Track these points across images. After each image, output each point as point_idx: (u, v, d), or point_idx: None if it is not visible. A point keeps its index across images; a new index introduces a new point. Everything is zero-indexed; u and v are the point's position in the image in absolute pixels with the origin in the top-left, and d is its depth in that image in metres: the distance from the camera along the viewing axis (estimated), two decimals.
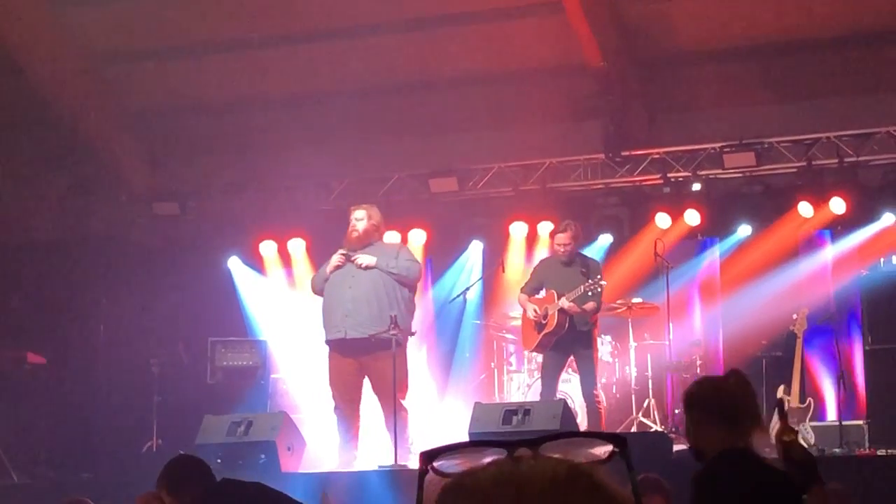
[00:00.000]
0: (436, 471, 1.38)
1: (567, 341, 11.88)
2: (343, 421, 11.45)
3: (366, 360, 11.35)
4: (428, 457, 1.41)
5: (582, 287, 11.69)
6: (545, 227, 14.63)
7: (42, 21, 15.04)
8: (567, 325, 11.77)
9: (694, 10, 14.40)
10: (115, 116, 16.23)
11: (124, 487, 8.35)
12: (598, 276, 11.95)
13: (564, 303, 11.68)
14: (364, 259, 11.43)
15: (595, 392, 11.85)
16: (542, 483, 1.27)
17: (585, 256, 12.44)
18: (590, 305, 11.77)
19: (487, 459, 1.35)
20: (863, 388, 13.22)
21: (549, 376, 12.01)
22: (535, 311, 11.96)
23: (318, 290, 11.77)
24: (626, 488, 1.36)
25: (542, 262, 12.87)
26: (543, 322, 11.88)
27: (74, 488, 10.88)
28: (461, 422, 11.38)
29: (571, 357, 12.05)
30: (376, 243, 11.76)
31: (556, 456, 1.34)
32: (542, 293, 12.14)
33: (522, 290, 12.39)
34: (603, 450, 1.38)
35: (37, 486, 12.33)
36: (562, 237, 12.05)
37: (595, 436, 1.40)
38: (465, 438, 9.95)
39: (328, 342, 11.52)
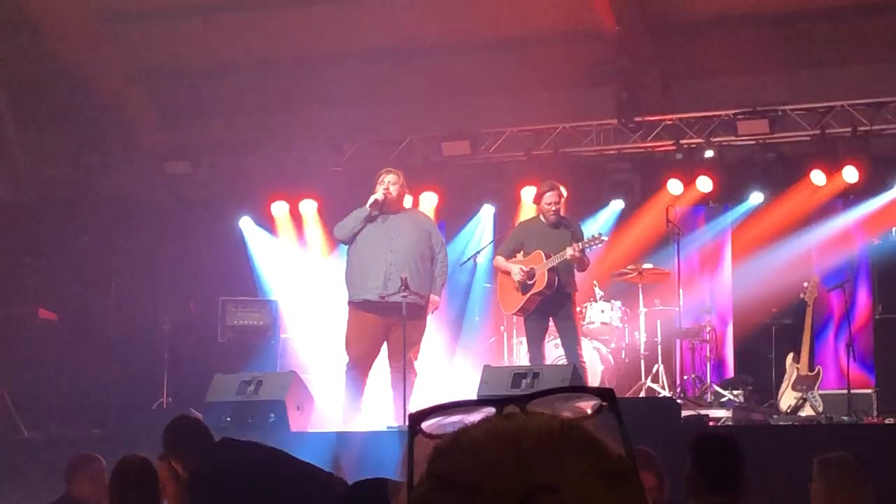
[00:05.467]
0: (424, 433, 1.37)
1: (548, 305, 11.82)
2: (355, 380, 11.48)
3: (392, 322, 11.35)
4: (415, 418, 1.40)
5: (579, 244, 11.62)
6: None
7: None
8: (556, 285, 11.73)
9: None
10: (128, 75, 16.22)
11: (134, 444, 8.37)
12: (600, 233, 12.01)
13: (569, 251, 11.55)
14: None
15: (579, 354, 11.83)
16: (538, 436, 1.28)
17: (570, 220, 12.31)
18: (586, 259, 11.77)
19: (476, 418, 1.36)
20: (872, 356, 13.24)
21: (536, 343, 11.98)
22: (521, 270, 11.87)
23: (350, 228, 11.68)
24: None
25: (521, 224, 12.81)
26: (530, 282, 11.80)
27: (85, 444, 10.93)
28: (470, 385, 11.41)
29: (552, 323, 11.99)
30: (409, 210, 11.85)
31: (546, 412, 1.34)
32: (520, 255, 12.07)
33: (499, 253, 12.34)
34: (590, 404, 1.38)
35: (47, 441, 12.39)
36: (551, 196, 11.90)
37: (582, 390, 1.40)
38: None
39: (358, 302, 11.50)
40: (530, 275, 11.76)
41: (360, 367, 11.48)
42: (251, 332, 14.23)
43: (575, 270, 11.91)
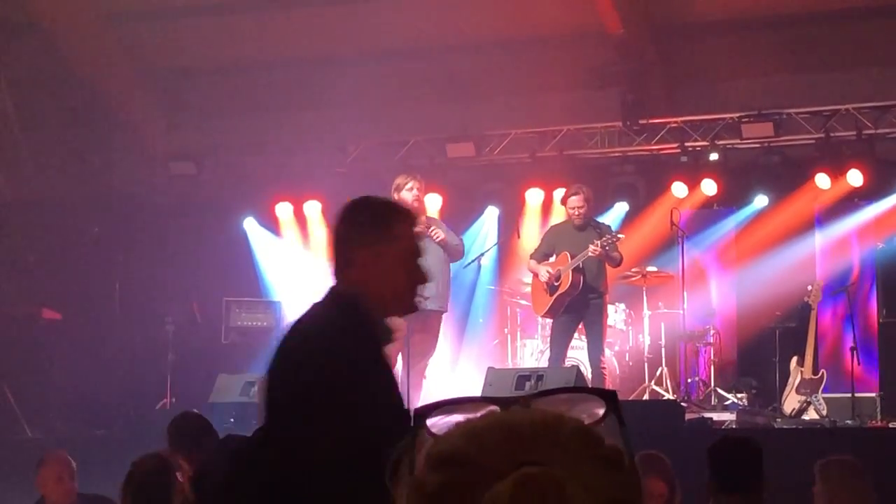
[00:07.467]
0: (428, 430, 1.38)
1: (578, 306, 11.84)
2: None
3: (416, 329, 11.29)
4: (420, 413, 1.40)
5: (598, 242, 11.60)
6: (561, 194, 14.61)
7: None
8: (581, 286, 11.73)
9: None
10: (133, 75, 16.23)
11: (137, 444, 8.38)
12: (616, 230, 12.02)
13: (591, 248, 11.54)
14: (440, 233, 11.39)
15: (601, 359, 11.85)
16: (532, 425, 1.29)
17: (598, 221, 12.41)
18: (616, 255, 11.78)
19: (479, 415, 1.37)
20: (876, 360, 13.23)
21: (559, 343, 11.98)
22: (547, 271, 11.89)
23: None
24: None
25: (553, 227, 12.85)
26: (556, 283, 11.82)
27: (87, 444, 10.96)
28: (474, 387, 11.40)
29: (581, 324, 12.04)
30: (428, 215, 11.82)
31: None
32: (553, 259, 12.11)
33: (532, 257, 12.36)
34: (596, 408, 1.39)
35: (50, 441, 12.38)
36: (575, 200, 11.98)
37: (584, 391, 1.42)
38: None
39: None
40: (556, 276, 11.80)
41: None
42: (255, 333, 14.23)
43: (606, 272, 11.92)
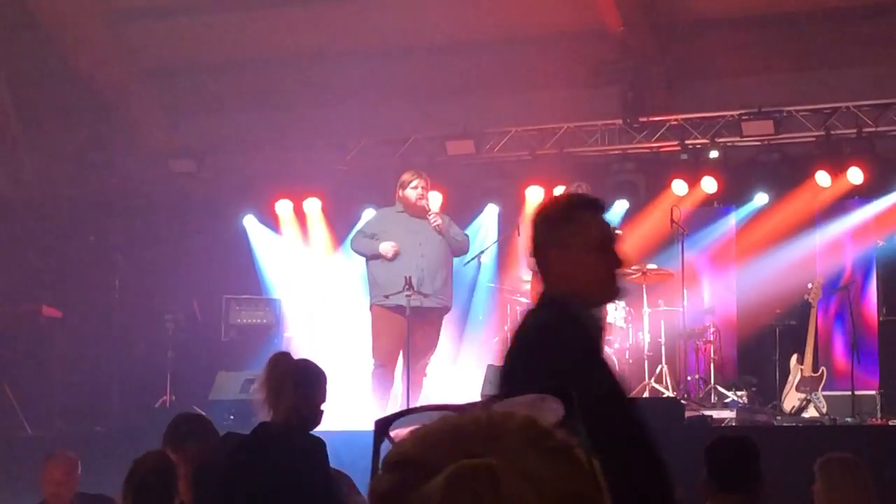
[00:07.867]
0: (390, 438, 1.42)
1: None
2: (385, 380, 11.42)
3: (416, 325, 11.30)
4: (382, 424, 1.44)
5: None
6: (560, 192, 14.61)
7: None
8: None
9: None
10: (133, 73, 16.22)
11: (137, 442, 8.38)
12: (614, 228, 12.02)
13: None
14: (439, 220, 11.38)
15: None
16: (476, 423, 1.34)
17: None
18: None
19: None
20: (876, 358, 13.23)
21: None
22: None
23: (361, 253, 11.68)
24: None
25: None
26: None
27: (87, 441, 10.96)
28: (474, 384, 11.38)
29: None
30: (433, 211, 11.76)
31: None
32: None
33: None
34: (559, 410, 1.41)
35: (50, 438, 12.39)
36: None
37: (543, 392, 1.44)
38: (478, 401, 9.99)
39: (391, 306, 11.40)
40: None
41: (389, 366, 11.45)
42: (255, 331, 14.23)
43: None
